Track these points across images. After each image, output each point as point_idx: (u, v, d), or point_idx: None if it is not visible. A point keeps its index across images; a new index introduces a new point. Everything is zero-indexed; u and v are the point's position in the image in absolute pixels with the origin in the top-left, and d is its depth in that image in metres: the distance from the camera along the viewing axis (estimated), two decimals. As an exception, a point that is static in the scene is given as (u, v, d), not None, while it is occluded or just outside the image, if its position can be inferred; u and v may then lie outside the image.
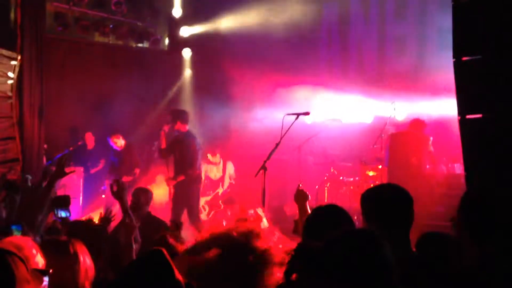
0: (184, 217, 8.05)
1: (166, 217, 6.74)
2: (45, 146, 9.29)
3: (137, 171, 9.42)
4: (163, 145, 8.26)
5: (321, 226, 2.67)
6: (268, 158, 6.97)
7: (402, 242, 2.62)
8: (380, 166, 8.56)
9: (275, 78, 10.12)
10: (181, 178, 8.11)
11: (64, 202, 4.48)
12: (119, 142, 9.57)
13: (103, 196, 9.53)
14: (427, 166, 7.89)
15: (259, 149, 8.84)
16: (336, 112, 9.68)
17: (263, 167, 6.88)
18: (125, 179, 9.01)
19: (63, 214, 4.41)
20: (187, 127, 8.29)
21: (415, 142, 7.86)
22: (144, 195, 6.09)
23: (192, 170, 8.14)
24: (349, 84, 10.38)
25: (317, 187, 9.17)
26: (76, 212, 9.21)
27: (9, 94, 8.47)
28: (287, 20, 10.58)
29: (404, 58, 9.96)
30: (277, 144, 7.06)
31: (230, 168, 9.72)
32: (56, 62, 10.37)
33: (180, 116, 8.28)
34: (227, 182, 9.62)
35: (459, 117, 5.42)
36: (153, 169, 9.66)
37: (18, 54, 8.57)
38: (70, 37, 10.63)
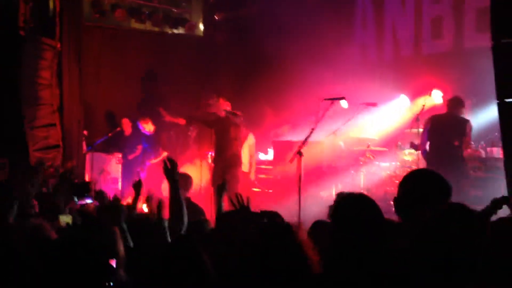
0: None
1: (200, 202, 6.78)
2: (85, 132, 9.49)
3: (164, 153, 9.54)
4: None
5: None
6: (304, 143, 7.00)
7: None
8: (415, 151, 8.49)
9: (309, 62, 10.07)
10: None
11: (84, 189, 4.60)
12: (148, 127, 9.72)
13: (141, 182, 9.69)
14: (465, 149, 7.79)
15: (295, 134, 8.90)
16: (371, 96, 9.59)
17: (299, 153, 6.91)
18: (152, 161, 9.20)
19: (87, 201, 4.54)
20: (228, 107, 8.33)
21: (455, 124, 7.74)
22: (183, 180, 6.12)
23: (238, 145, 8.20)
24: (384, 67, 10.28)
25: (352, 172, 9.15)
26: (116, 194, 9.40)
27: (49, 81, 8.65)
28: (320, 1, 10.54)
29: (440, 39, 9.80)
30: (312, 129, 7.08)
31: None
32: (93, 49, 10.53)
33: (223, 96, 8.35)
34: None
35: (498, 101, 5.36)
36: (188, 152, 9.77)
37: (58, 42, 8.73)
38: (107, 24, 10.79)
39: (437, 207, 2.59)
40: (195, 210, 5.52)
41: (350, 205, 2.66)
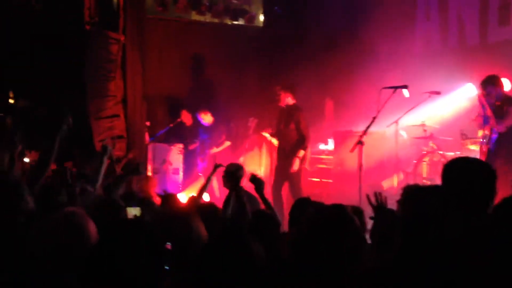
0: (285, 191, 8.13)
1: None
2: (148, 123, 9.69)
3: (226, 142, 9.62)
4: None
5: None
6: (365, 132, 6.92)
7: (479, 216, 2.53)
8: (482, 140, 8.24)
9: (371, 55, 9.95)
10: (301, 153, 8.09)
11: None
12: (207, 118, 9.85)
13: (200, 174, 9.84)
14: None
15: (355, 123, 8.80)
16: (435, 86, 9.37)
17: (360, 142, 6.84)
18: (214, 150, 9.30)
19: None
20: (290, 98, 8.32)
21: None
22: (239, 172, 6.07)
23: (307, 143, 8.21)
24: (449, 56, 10.03)
25: (415, 161, 8.98)
26: (176, 187, 9.58)
27: (114, 74, 8.86)
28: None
29: (508, 26, 9.46)
30: (374, 118, 6.99)
31: None
32: (156, 41, 10.72)
33: (290, 87, 8.32)
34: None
35: None
36: (248, 142, 9.82)
37: (122, 35, 8.93)
38: (169, 17, 10.96)
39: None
40: (252, 200, 5.39)
41: (422, 199, 2.59)
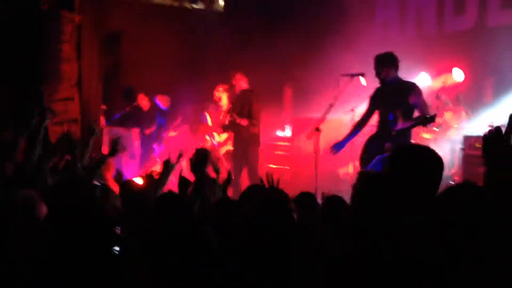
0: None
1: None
2: (104, 106, 9.53)
3: (180, 121, 9.56)
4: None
5: None
6: (322, 119, 6.95)
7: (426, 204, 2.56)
8: (436, 128, 8.40)
9: (329, 41, 9.97)
10: (244, 121, 8.05)
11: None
12: (165, 102, 9.79)
13: (157, 159, 9.75)
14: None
15: (314, 110, 8.83)
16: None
17: (317, 129, 6.88)
18: (170, 133, 9.23)
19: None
20: (244, 82, 8.30)
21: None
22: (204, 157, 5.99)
23: (255, 122, 8.11)
24: (406, 44, 10.14)
25: (371, 149, 9.08)
26: (134, 172, 9.47)
27: (69, 55, 8.67)
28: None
29: (463, 16, 9.62)
30: (331, 105, 7.03)
31: None
32: (113, 24, 10.52)
33: (241, 72, 8.30)
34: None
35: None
36: (204, 128, 9.76)
37: (77, 15, 8.73)
38: (128, -1, 10.79)
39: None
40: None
41: (374, 184, 2.61)
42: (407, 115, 6.08)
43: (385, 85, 6.35)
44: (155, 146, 9.88)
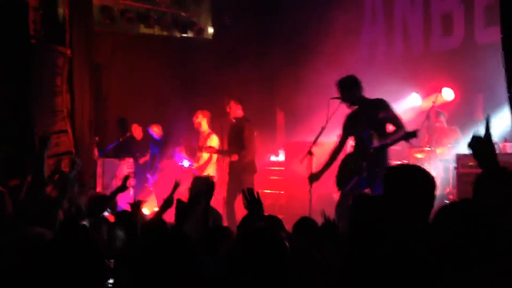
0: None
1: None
2: (97, 138, 9.53)
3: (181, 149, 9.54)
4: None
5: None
6: (314, 142, 6.96)
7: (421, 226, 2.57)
8: (428, 148, 8.43)
9: (319, 62, 10.04)
10: (235, 157, 8.07)
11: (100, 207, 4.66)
12: (157, 131, 9.81)
13: (151, 188, 9.74)
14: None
15: (306, 133, 8.85)
16: (382, 94, 9.53)
17: (309, 152, 6.87)
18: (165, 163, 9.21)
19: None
20: (239, 110, 8.32)
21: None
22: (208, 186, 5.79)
23: (245, 152, 8.11)
24: (394, 64, 10.23)
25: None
26: (128, 201, 9.43)
27: (60, 88, 8.69)
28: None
29: (451, 35, 9.74)
30: (322, 128, 7.03)
31: (213, 141, 9.01)
32: (104, 54, 10.59)
33: (239, 99, 8.32)
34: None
35: (509, 94, 5.31)
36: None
37: (68, 48, 8.78)
38: (117, 30, 10.85)
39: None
40: (215, 216, 5.27)
41: (370, 207, 2.62)
42: (380, 132, 6.09)
43: (353, 108, 6.35)
44: (148, 175, 9.87)
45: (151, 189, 9.64)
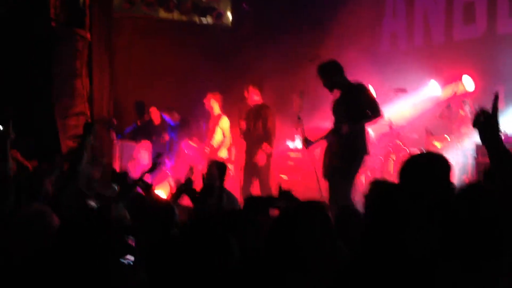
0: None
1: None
2: (114, 121, 9.60)
3: (195, 140, 9.60)
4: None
5: None
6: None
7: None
8: (447, 137, 8.37)
9: (339, 52, 9.99)
10: (268, 148, 7.98)
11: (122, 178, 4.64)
12: (173, 117, 9.82)
13: (168, 172, 9.77)
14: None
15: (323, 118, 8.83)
16: (401, 83, 9.49)
17: (298, 118, 6.92)
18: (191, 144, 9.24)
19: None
20: (257, 95, 8.28)
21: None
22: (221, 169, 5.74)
23: (272, 142, 8.09)
24: (415, 54, 10.15)
25: (382, 158, 9.07)
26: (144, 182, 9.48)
27: (80, 71, 8.77)
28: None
29: (473, 25, 9.62)
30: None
31: (224, 123, 9.01)
32: (123, 39, 10.62)
33: (258, 84, 8.30)
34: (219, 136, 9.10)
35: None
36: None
37: (88, 32, 8.84)
38: (137, 14, 10.88)
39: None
40: (231, 199, 5.33)
41: (387, 194, 2.60)
42: (358, 116, 6.04)
43: (337, 93, 6.27)
44: (166, 160, 9.90)
45: (168, 173, 9.68)
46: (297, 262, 2.32)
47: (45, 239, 2.54)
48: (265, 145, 7.98)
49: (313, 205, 2.51)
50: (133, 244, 2.81)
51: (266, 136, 8.05)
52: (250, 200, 3.88)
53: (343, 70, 6.26)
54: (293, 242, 2.35)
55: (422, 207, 2.59)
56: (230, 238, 2.27)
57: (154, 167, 5.06)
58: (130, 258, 2.62)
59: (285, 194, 3.74)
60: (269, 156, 8.14)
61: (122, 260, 2.46)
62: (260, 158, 7.97)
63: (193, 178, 4.70)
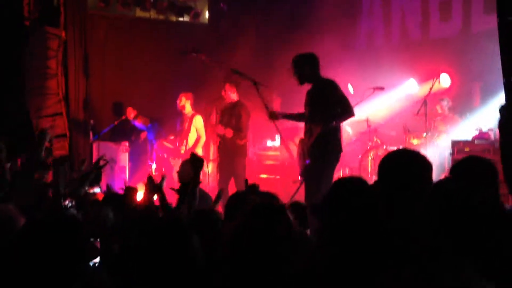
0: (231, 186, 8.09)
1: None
2: (92, 121, 9.49)
3: (171, 138, 9.55)
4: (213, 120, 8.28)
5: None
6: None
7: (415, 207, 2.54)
8: (424, 134, 8.41)
9: (317, 48, 10.00)
10: (229, 133, 8.01)
11: (95, 179, 4.58)
12: (142, 121, 9.77)
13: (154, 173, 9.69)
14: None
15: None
16: (379, 81, 9.52)
17: (255, 83, 7.03)
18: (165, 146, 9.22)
19: (96, 190, 4.53)
20: (233, 92, 8.28)
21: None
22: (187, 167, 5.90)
23: (242, 134, 8.08)
24: (392, 51, 10.20)
25: (360, 156, 9.10)
26: (123, 184, 9.39)
27: (55, 71, 8.64)
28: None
29: (449, 23, 9.69)
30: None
31: (198, 121, 9.08)
32: (99, 38, 10.51)
33: (235, 82, 8.28)
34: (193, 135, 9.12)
35: (504, 80, 5.28)
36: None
37: (62, 31, 8.72)
38: (112, 14, 10.76)
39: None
40: (204, 197, 5.12)
41: (347, 190, 2.58)
42: (327, 113, 5.98)
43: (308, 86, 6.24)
44: (149, 162, 9.83)
45: (155, 174, 9.58)
46: (259, 263, 2.31)
47: (8, 240, 2.49)
48: (229, 132, 7.98)
49: (267, 207, 2.50)
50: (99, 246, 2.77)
51: (237, 129, 8.04)
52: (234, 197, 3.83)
53: (318, 65, 6.20)
54: (255, 244, 2.34)
55: (401, 204, 2.58)
56: (193, 239, 2.23)
57: (99, 175, 4.87)
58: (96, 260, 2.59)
59: (251, 188, 3.72)
60: (244, 155, 8.15)
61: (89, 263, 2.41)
62: (227, 132, 7.98)
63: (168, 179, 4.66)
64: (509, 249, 2.10)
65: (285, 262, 2.32)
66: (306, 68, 6.12)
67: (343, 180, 2.80)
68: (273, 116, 6.52)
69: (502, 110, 3.06)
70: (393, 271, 2.10)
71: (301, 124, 6.57)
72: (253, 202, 2.74)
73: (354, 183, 2.62)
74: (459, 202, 2.11)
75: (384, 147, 8.88)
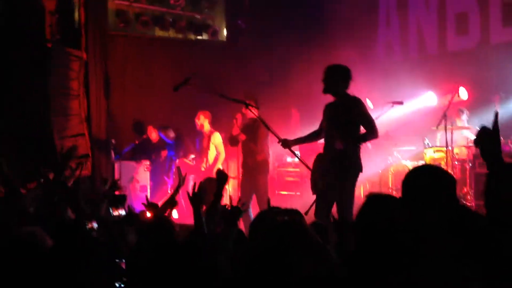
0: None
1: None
2: (113, 141, 9.60)
3: (192, 156, 9.62)
4: (235, 132, 8.26)
5: None
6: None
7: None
8: (444, 148, 8.39)
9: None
10: (243, 136, 8.04)
11: (119, 201, 4.64)
12: (169, 135, 9.86)
13: (169, 191, 9.76)
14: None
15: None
16: (397, 95, 9.52)
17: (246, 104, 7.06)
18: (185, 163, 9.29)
19: (120, 212, 4.60)
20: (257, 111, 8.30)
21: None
22: (209, 184, 5.86)
23: (259, 149, 8.06)
24: (410, 65, 10.20)
25: (380, 172, 9.07)
26: (145, 200, 9.46)
27: (77, 92, 8.77)
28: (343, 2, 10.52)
29: (466, 36, 9.69)
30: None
31: (216, 138, 9.15)
32: (119, 58, 10.66)
33: (254, 98, 8.29)
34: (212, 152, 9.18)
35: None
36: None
37: (84, 52, 8.86)
38: (132, 33, 10.92)
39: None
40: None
41: (379, 207, 2.59)
42: (352, 132, 5.87)
43: (333, 100, 6.06)
44: (166, 178, 9.90)
45: (169, 192, 9.67)
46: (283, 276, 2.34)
47: (37, 260, 2.55)
48: (253, 147, 8.00)
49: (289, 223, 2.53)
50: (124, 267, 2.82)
51: (253, 140, 8.05)
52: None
53: (349, 83, 6.01)
54: (279, 260, 2.37)
55: (426, 220, 2.59)
56: (217, 260, 2.27)
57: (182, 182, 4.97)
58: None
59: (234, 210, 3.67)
60: (266, 172, 8.14)
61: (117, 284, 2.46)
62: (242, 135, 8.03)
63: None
64: (509, 249, 2.11)
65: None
66: (340, 81, 5.98)
67: (374, 198, 2.78)
68: (285, 144, 6.46)
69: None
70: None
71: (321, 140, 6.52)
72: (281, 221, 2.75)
73: (388, 202, 2.63)
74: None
75: (404, 162, 8.86)
